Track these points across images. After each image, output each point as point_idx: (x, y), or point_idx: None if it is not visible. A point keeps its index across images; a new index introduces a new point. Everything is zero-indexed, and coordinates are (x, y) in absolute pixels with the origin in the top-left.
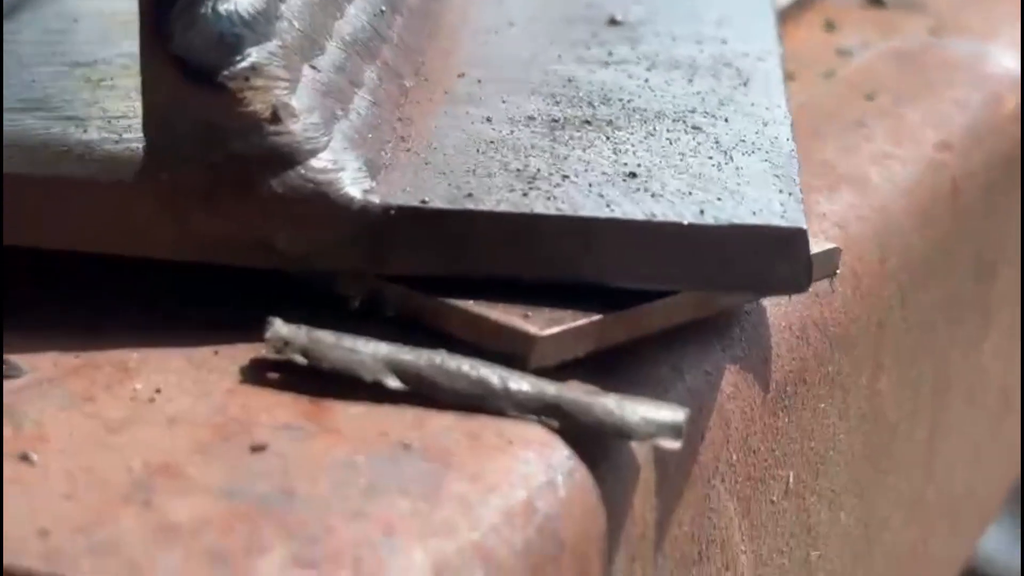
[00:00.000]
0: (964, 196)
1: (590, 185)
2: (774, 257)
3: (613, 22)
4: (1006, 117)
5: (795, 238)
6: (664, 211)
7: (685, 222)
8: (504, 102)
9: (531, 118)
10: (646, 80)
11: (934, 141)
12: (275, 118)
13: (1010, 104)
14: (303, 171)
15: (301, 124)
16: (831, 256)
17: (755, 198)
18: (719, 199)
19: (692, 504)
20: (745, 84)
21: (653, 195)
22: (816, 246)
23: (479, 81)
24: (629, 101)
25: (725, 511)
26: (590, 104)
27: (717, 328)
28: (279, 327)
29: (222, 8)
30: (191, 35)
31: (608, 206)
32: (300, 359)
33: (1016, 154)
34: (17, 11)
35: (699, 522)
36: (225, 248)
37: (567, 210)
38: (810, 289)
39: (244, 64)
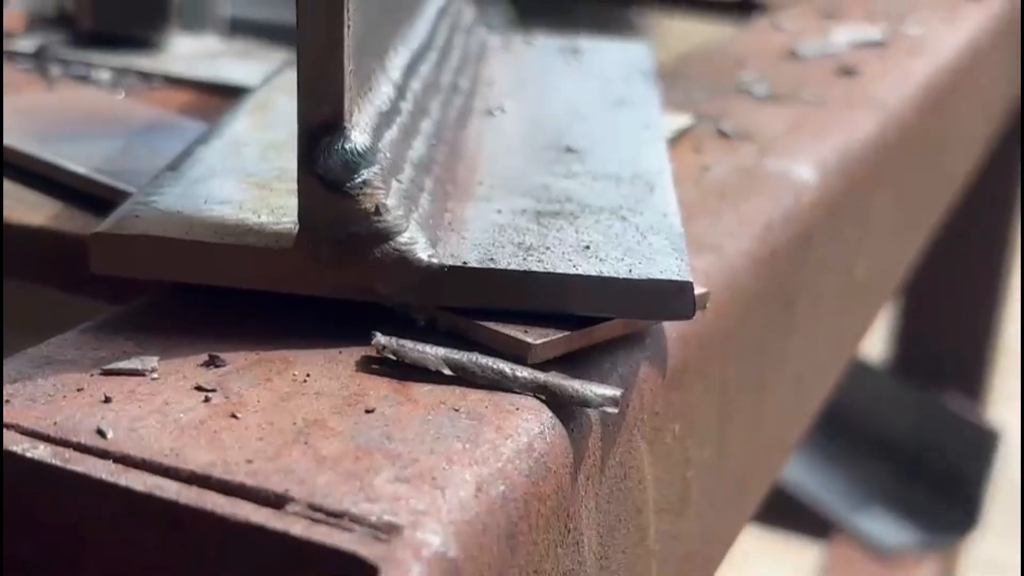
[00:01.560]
0: (779, 259)
1: (563, 253)
2: (674, 298)
3: (569, 150)
4: (802, 208)
5: (686, 287)
6: (608, 270)
7: (621, 276)
8: (507, 200)
9: (524, 211)
10: (592, 187)
11: (761, 224)
12: (377, 212)
13: (804, 200)
14: (393, 244)
15: (392, 216)
16: (704, 297)
17: (662, 262)
18: (640, 263)
19: (621, 445)
20: (652, 190)
21: (601, 259)
22: (696, 290)
23: (491, 187)
24: (583, 200)
25: (639, 450)
26: (559, 202)
27: (637, 339)
28: (379, 338)
29: (347, 146)
30: (329, 162)
31: (574, 267)
32: (392, 357)
33: (808, 231)
34: (209, 138)
35: (625, 457)
36: (345, 289)
37: (550, 268)
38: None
39: (359, 180)
